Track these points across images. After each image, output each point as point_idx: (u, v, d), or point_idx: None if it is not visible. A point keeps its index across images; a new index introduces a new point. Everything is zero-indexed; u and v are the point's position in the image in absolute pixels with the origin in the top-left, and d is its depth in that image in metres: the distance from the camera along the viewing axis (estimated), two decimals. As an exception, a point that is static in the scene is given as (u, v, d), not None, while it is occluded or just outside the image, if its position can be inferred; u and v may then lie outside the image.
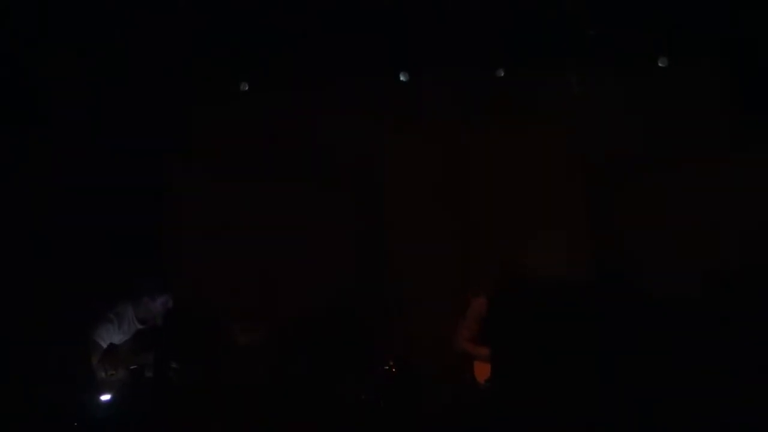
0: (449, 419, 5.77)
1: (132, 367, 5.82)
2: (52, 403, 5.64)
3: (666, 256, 7.17)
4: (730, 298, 6.12)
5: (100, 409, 5.55)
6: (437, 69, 7.42)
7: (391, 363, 6.28)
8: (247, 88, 7.48)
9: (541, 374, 5.15)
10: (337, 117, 7.63)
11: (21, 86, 6.85)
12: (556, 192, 7.50)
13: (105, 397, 5.58)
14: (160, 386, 5.70)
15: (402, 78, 7.41)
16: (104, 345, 5.97)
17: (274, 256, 7.47)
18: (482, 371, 6.02)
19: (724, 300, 6.09)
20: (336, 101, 7.65)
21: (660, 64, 7.25)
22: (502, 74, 7.41)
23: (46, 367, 5.91)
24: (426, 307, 7.20)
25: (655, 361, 5.26)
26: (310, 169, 7.67)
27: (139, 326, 6.15)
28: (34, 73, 6.93)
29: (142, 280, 6.36)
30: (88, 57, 7.04)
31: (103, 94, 7.30)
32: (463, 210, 7.56)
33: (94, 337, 5.98)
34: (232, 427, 5.70)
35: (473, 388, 6.06)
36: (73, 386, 5.74)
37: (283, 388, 6.13)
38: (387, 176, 7.66)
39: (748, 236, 7.05)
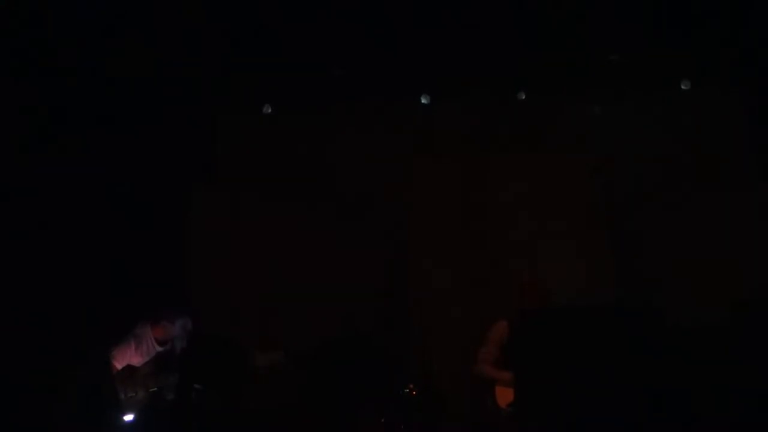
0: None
1: (152, 389, 5.84)
2: (73, 423, 5.65)
3: (688, 281, 7.12)
4: (754, 324, 6.05)
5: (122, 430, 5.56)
6: (459, 91, 7.45)
7: (411, 386, 6.25)
8: (270, 111, 7.54)
9: (564, 399, 5.11)
10: (358, 139, 7.67)
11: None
12: (577, 215, 7.48)
13: (128, 418, 5.59)
14: (182, 407, 5.69)
15: (423, 100, 7.44)
16: (119, 366, 5.99)
17: (296, 280, 7.47)
18: (503, 395, 5.98)
19: (748, 326, 6.03)
20: (358, 124, 7.69)
21: (683, 87, 7.24)
22: (524, 97, 7.43)
23: (66, 389, 5.92)
24: (447, 331, 7.16)
25: (680, 386, 5.21)
26: (331, 193, 7.70)
27: (159, 348, 6.16)
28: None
29: (162, 302, 6.39)
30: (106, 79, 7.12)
31: (126, 116, 7.37)
32: (484, 233, 7.54)
33: (110, 358, 6.00)
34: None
35: (494, 412, 6.01)
36: (94, 407, 5.74)
37: (304, 412, 6.12)
38: (409, 199, 7.66)
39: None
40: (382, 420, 6.08)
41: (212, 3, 6.63)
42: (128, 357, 6.01)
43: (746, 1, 6.60)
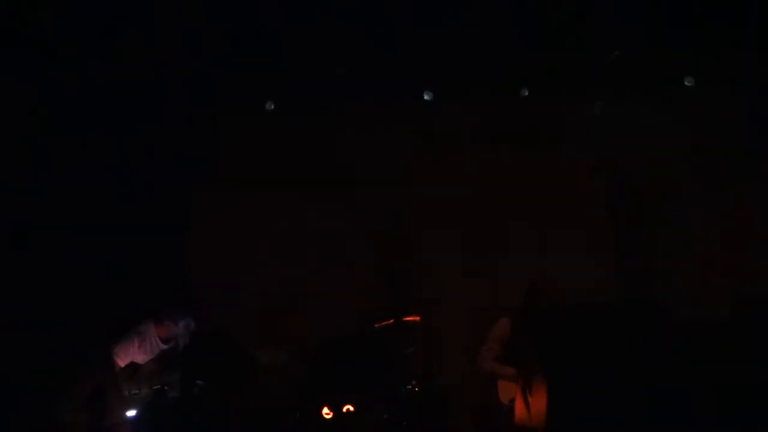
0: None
1: (155, 387, 5.83)
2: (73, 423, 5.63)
3: (689, 280, 7.13)
4: (756, 322, 6.05)
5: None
6: (459, 91, 7.45)
7: (414, 382, 6.25)
8: (272, 108, 7.54)
9: (566, 397, 5.10)
10: (358, 139, 7.67)
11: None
12: (577, 215, 7.48)
13: (130, 413, 5.59)
14: (185, 404, 5.69)
15: (426, 97, 7.45)
16: (122, 363, 5.97)
17: (299, 278, 7.47)
18: (505, 391, 5.98)
19: (751, 324, 6.03)
20: (358, 124, 7.69)
21: (686, 83, 7.25)
22: (526, 94, 7.44)
23: (68, 387, 5.91)
24: (449, 327, 7.16)
25: (683, 385, 5.20)
26: (332, 193, 7.69)
27: (163, 346, 6.16)
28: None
29: (164, 302, 6.39)
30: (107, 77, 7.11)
31: (126, 116, 7.37)
32: (487, 230, 7.54)
33: (113, 355, 5.99)
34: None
35: (497, 408, 6.01)
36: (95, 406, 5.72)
37: (306, 409, 6.12)
38: (412, 196, 7.66)
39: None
40: (386, 417, 6.09)
41: (212, 3, 6.63)
42: (131, 354, 6.02)
43: (746, 1, 6.62)
